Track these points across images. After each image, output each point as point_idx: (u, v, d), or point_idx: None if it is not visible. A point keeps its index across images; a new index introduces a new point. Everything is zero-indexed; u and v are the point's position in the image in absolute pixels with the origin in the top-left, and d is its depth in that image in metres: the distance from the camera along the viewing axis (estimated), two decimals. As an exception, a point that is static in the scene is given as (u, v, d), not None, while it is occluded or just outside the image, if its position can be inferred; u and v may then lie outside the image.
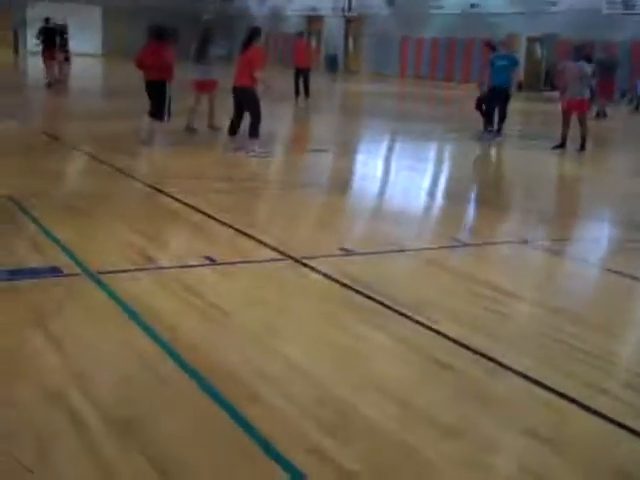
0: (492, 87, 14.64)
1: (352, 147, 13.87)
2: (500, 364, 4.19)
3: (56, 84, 22.33)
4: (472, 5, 35.29)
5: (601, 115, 20.45)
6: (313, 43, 45.80)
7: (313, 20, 46.54)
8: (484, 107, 14.99)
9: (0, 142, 11.71)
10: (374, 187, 9.87)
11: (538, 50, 32.91)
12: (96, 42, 51.28)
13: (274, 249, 6.27)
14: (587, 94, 13.59)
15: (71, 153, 11.41)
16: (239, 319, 4.75)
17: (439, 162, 13.17)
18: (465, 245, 6.85)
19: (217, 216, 7.30)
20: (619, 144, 16.78)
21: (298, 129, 17.37)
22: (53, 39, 23.03)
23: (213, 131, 13.62)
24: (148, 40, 12.35)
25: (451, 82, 35.03)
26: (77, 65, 38.64)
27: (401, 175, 11.26)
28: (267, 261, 6.03)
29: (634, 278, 5.96)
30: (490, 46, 15.33)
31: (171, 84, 12.03)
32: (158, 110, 12.04)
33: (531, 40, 32.89)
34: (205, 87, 13.67)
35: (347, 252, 6.31)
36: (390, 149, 14.41)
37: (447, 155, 14.01)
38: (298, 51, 22.30)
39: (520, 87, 32.48)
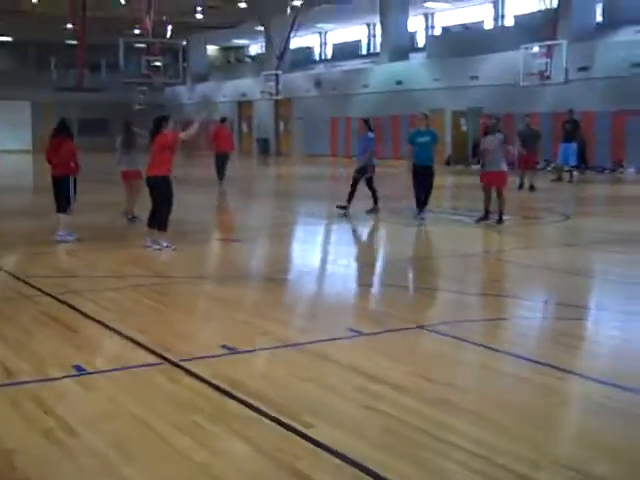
0: (414, 165, 14.21)
1: (265, 233, 13.52)
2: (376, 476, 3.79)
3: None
4: (397, 82, 35.85)
5: (527, 187, 20.39)
6: (243, 128, 46.27)
7: (244, 105, 46.95)
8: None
9: None
10: (276, 276, 9.28)
11: (463, 124, 33.44)
12: (26, 138, 50.81)
13: (151, 351, 5.83)
14: (504, 167, 13.56)
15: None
16: (87, 439, 4.28)
17: (351, 244, 12.92)
18: (361, 335, 6.46)
19: (99, 317, 6.85)
20: (545, 214, 16.65)
21: (217, 216, 17.04)
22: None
23: (130, 220, 13.52)
24: (52, 135, 12.04)
25: (381, 159, 35.23)
26: (6, 161, 38.30)
27: (309, 261, 10.88)
28: (140, 366, 5.57)
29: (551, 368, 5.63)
30: (367, 123, 15.34)
31: (75, 176, 11.70)
32: (60, 203, 11.68)
33: (456, 114, 33.42)
34: (129, 176, 13.69)
35: (230, 351, 5.89)
36: (306, 233, 14.12)
37: (361, 236, 13.78)
38: (220, 136, 22.34)
39: (448, 162, 33.05)
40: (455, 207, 17.51)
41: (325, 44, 49.87)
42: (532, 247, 11.85)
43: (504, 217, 13.41)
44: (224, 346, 5.97)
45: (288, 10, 38.37)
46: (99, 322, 6.73)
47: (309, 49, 50.59)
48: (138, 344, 6.04)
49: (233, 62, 56.55)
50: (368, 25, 45.90)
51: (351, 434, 4.29)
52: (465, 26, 38.70)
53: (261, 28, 43.57)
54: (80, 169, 11.88)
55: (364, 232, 14.01)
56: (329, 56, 48.93)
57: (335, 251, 11.99)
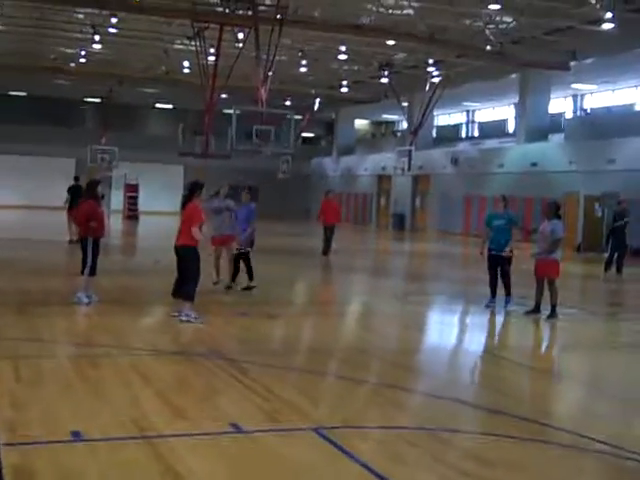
0: (489, 249, 13.25)
1: (329, 309, 13.03)
2: None
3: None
4: (532, 164, 34.60)
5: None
6: (381, 202, 46.14)
7: (383, 179, 46.89)
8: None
9: None
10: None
11: (597, 209, 31.60)
12: (177, 201, 52.44)
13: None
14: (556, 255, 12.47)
15: None
16: None
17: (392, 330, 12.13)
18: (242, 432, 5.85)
19: None
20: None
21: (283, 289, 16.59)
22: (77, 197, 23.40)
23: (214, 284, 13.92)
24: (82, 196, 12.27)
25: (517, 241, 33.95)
26: (153, 222, 39.88)
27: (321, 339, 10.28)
28: None
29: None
30: (250, 192, 14.67)
31: (96, 238, 11.76)
32: (83, 265, 11.76)
33: (590, 199, 31.68)
34: (219, 242, 14.09)
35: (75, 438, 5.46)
36: (352, 314, 13.48)
37: (412, 323, 12.92)
38: (326, 209, 22.11)
39: (579, 249, 31.25)
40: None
41: (472, 122, 49.16)
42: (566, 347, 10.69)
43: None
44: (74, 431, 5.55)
45: (427, 86, 38.14)
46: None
47: (455, 126, 50.10)
48: None
49: (378, 136, 56.91)
50: (515, 105, 44.81)
51: None
52: (608, 108, 36.95)
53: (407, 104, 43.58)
54: (103, 231, 11.93)
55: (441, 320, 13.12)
56: (475, 134, 48.14)
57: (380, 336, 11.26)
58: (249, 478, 4.98)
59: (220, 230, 14.10)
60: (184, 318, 10.53)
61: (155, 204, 49.31)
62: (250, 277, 14.12)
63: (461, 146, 44.16)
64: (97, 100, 52.77)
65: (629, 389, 8.12)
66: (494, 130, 45.00)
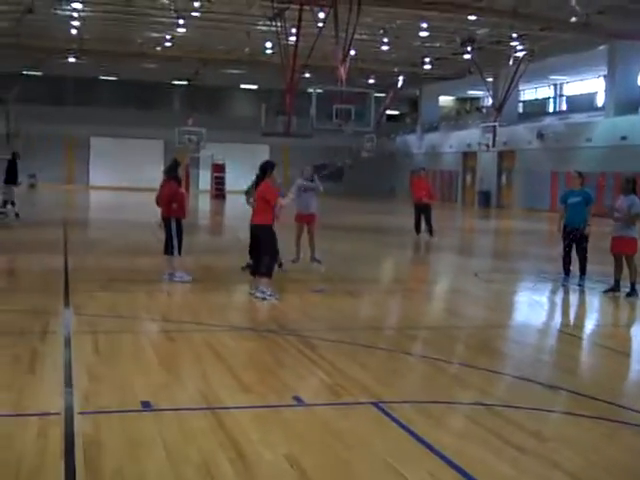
0: (565, 227, 13.16)
1: (410, 287, 13.16)
2: None
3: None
4: (622, 137, 33.66)
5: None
6: (467, 179, 45.63)
7: (469, 156, 46.36)
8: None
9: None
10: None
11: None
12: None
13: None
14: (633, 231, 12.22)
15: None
16: None
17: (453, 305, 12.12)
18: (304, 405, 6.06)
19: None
20: None
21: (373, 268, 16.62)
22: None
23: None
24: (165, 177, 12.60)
25: (602, 217, 33.16)
26: (232, 201, 40.54)
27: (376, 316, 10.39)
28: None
29: None
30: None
31: (179, 219, 12.12)
32: (166, 245, 12.15)
33: (682, 173, 30.61)
34: (304, 219, 14.63)
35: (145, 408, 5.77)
36: (426, 294, 13.53)
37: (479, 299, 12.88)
38: (418, 187, 21.46)
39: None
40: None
41: (560, 96, 48.01)
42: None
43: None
44: (144, 401, 5.86)
45: (511, 61, 37.47)
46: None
47: (542, 101, 49.04)
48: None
49: (462, 113, 56.19)
50: (605, 77, 43.57)
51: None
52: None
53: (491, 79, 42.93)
54: (186, 212, 12.30)
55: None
56: (563, 109, 47.03)
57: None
58: (305, 448, 5.15)
59: (304, 209, 14.57)
60: (260, 295, 10.79)
61: (242, 183, 49.75)
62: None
63: (547, 120, 43.22)
64: (183, 83, 53.82)
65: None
66: (582, 104, 43.89)
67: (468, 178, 46.76)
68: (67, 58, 45.88)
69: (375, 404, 6.11)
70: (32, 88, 49.73)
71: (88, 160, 52.28)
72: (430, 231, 20.61)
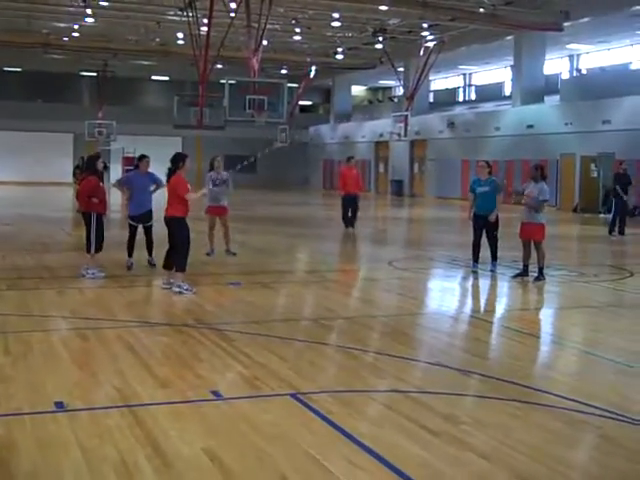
0: (474, 214, 13.49)
1: (322, 277, 13.27)
2: None
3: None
4: (529, 126, 34.61)
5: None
6: (380, 168, 46.13)
7: (381, 145, 46.88)
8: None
9: None
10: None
11: (593, 170, 31.65)
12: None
13: None
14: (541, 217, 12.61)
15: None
16: None
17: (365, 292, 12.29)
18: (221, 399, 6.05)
19: None
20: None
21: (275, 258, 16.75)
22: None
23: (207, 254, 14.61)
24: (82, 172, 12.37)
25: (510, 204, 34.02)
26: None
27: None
28: None
29: None
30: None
31: (101, 215, 11.91)
32: (87, 241, 11.92)
33: (586, 160, 31.71)
34: (215, 212, 14.96)
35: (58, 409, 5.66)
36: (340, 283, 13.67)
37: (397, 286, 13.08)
38: (346, 177, 21.25)
39: (575, 209, 31.38)
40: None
41: (469, 86, 49.00)
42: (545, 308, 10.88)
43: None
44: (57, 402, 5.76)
45: (421, 51, 38.01)
46: None
47: (451, 90, 49.94)
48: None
49: (375, 103, 56.76)
50: (512, 67, 44.67)
51: None
52: (603, 68, 36.82)
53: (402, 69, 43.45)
54: (105, 206, 12.07)
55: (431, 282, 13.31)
56: (472, 98, 48.00)
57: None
58: (224, 441, 5.16)
59: (215, 201, 14.73)
60: (176, 289, 10.71)
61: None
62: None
63: (457, 110, 44.09)
64: (93, 74, 52.72)
65: (598, 346, 8.29)
66: (491, 93, 44.95)
67: (381, 167, 47.29)
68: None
69: (293, 395, 6.16)
70: None
71: (-6, 154, 50.74)
72: (354, 220, 20.78)
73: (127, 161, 44.69)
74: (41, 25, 39.93)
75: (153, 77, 55.68)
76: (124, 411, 5.68)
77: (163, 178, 11.95)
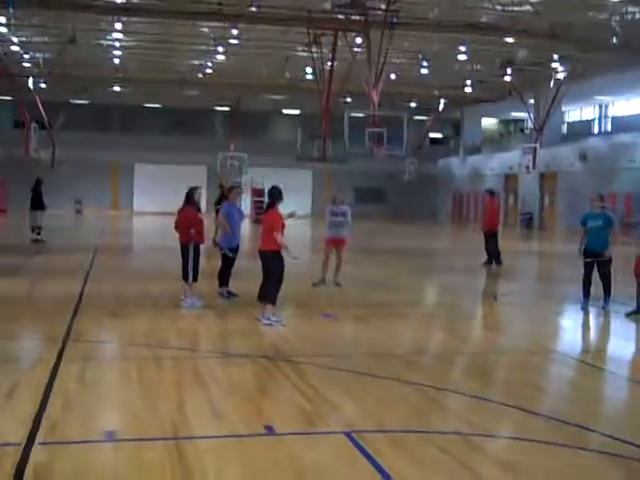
0: (585, 250, 12.88)
1: (420, 311, 12.97)
2: None
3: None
4: (666, 158, 32.99)
5: None
6: (509, 201, 45.08)
7: (510, 178, 45.86)
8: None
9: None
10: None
11: None
12: (307, 204, 52.28)
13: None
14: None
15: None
16: None
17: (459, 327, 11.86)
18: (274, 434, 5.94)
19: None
20: None
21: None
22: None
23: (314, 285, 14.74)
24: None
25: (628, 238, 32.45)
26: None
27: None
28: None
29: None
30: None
31: (199, 245, 12.16)
32: (183, 271, 12.17)
33: None
34: (333, 243, 15.09)
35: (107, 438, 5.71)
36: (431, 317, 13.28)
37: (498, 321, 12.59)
38: (491, 211, 20.23)
39: None
40: None
41: (604, 117, 47.25)
42: None
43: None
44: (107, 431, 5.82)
45: (552, 82, 37.05)
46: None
47: (585, 122, 48.31)
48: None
49: (505, 135, 55.67)
50: (653, 96, 42.81)
51: None
52: None
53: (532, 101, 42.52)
54: (204, 237, 12.29)
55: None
56: (608, 129, 46.22)
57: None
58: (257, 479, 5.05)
59: (335, 232, 14.95)
60: (266, 321, 10.74)
61: (283, 208, 49.90)
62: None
63: (591, 141, 42.56)
64: (225, 109, 54.38)
65: None
66: (629, 124, 43.06)
67: (510, 200, 46.23)
68: (112, 86, 46.77)
69: (347, 433, 5.97)
70: (79, 116, 50.78)
71: (132, 186, 53.10)
72: (493, 259, 19.98)
73: (255, 192, 45.69)
74: (177, 63, 41.61)
75: (283, 111, 56.78)
76: (170, 444, 5.65)
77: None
